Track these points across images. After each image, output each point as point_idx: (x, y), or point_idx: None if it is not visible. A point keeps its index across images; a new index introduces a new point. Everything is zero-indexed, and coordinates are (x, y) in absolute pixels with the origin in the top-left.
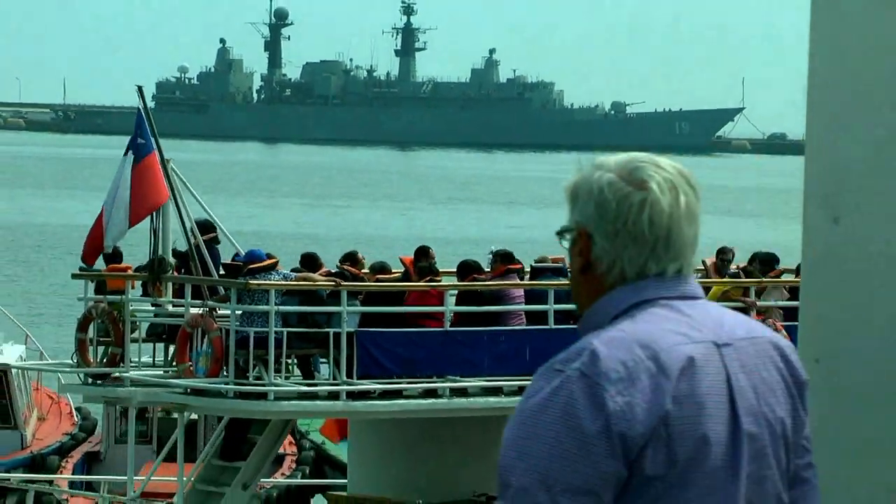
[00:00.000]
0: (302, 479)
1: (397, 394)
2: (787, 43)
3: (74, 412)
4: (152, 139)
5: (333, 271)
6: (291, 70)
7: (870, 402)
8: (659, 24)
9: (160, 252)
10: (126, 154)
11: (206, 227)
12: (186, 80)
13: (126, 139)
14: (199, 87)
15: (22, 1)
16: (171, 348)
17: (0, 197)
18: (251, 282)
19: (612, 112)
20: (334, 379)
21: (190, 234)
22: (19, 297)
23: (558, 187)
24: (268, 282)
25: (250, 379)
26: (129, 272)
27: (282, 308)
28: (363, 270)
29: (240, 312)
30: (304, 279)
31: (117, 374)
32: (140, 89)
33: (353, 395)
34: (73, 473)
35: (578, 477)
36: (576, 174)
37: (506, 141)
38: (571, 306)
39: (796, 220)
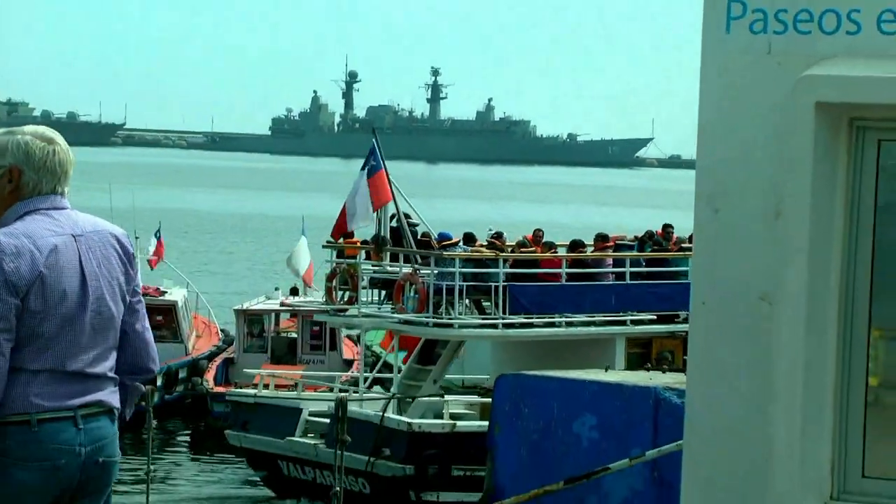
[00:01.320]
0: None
1: (531, 324)
2: (684, 89)
3: (220, 332)
4: (382, 161)
5: (485, 244)
6: (359, 111)
7: (738, 330)
8: (600, 78)
9: (382, 232)
10: (363, 169)
11: (407, 216)
12: (291, 117)
13: (252, 155)
14: (300, 121)
15: (181, 57)
16: (384, 293)
17: (196, 193)
18: (445, 252)
19: (568, 140)
20: (494, 315)
21: (403, 219)
22: (188, 259)
23: (532, 190)
24: (455, 252)
25: (442, 314)
26: (359, 244)
27: (462, 270)
28: (507, 243)
29: (436, 272)
30: (476, 251)
31: (354, 311)
32: (374, 130)
33: (505, 325)
34: (215, 373)
35: None
36: None
37: (498, 159)
38: (641, 269)
39: (690, 210)
